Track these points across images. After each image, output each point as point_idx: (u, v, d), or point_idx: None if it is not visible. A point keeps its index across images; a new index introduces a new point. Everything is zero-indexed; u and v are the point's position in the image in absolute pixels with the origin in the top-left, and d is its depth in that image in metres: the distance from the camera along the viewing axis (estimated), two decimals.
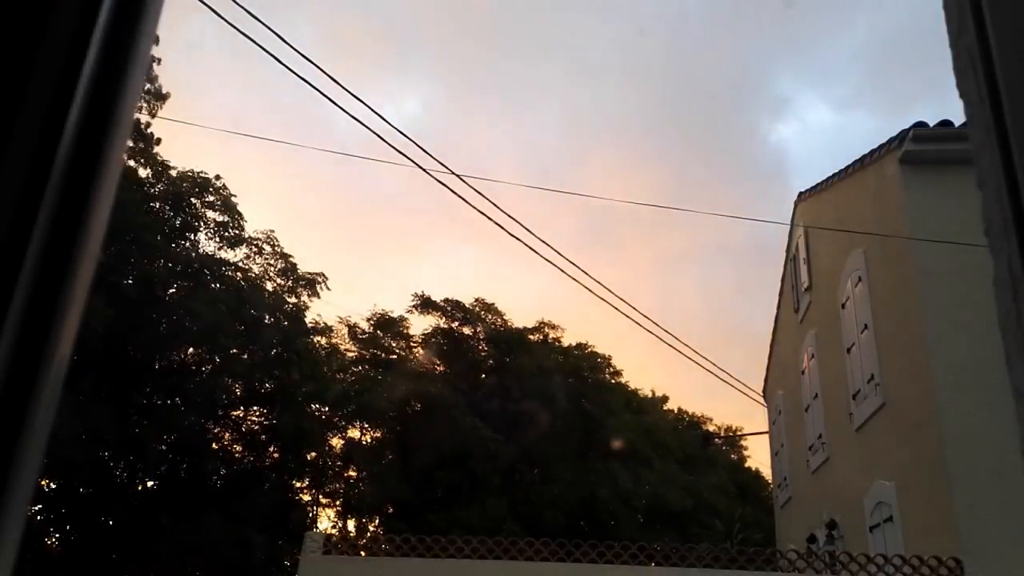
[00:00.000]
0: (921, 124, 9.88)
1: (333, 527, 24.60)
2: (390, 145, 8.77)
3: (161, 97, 18.92)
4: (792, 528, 16.30)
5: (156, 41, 17.00)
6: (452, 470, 23.62)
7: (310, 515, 23.83)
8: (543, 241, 11.01)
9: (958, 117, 9.17)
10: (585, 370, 28.97)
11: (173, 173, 20.00)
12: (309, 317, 23.33)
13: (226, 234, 20.93)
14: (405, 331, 27.48)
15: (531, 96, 40.17)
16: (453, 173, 9.77)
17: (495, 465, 24.14)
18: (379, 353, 26.57)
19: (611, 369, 30.68)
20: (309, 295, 22.73)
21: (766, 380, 19.72)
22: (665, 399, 36.04)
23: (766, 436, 20.02)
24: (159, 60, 18.46)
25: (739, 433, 36.36)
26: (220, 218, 20.79)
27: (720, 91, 44.93)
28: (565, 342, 29.08)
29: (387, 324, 27.09)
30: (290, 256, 22.24)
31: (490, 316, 28.08)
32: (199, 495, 18.73)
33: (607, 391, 29.19)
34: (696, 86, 44.34)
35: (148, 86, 18.13)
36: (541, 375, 25.82)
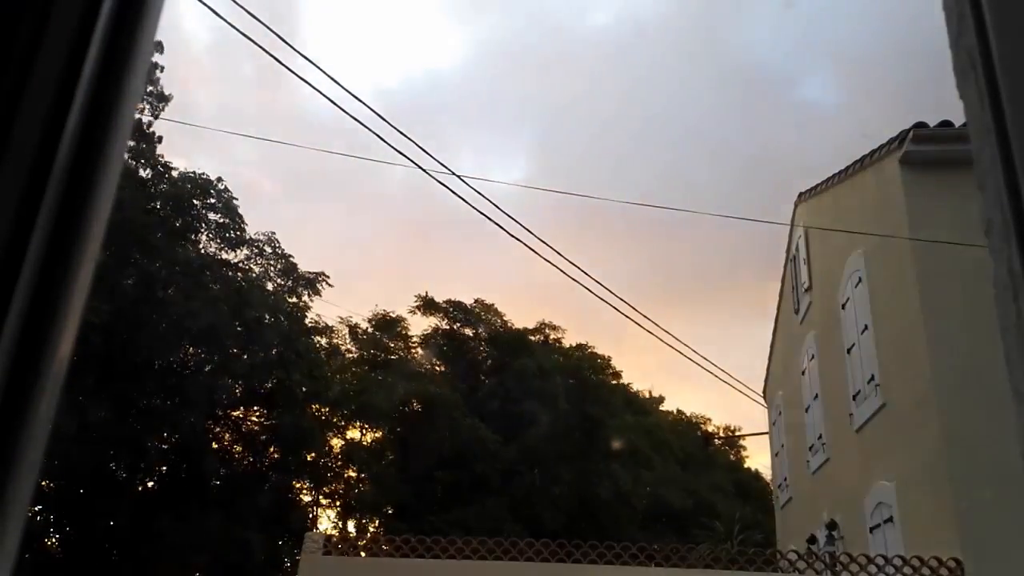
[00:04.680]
0: (921, 124, 9.87)
1: (333, 527, 24.62)
2: (390, 145, 8.76)
3: (164, 98, 18.93)
4: (792, 529, 16.29)
5: (160, 49, 16.82)
6: (452, 471, 23.63)
7: (310, 515, 23.85)
8: (543, 241, 10.98)
9: (958, 117, 9.16)
10: (586, 371, 29.00)
11: (174, 174, 20.04)
12: (309, 317, 23.36)
13: (227, 235, 20.96)
14: (405, 332, 27.51)
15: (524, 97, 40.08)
16: (453, 173, 9.77)
17: (495, 466, 24.15)
18: (379, 354, 26.59)
19: (612, 370, 30.73)
20: (310, 295, 22.76)
21: (766, 381, 19.72)
22: (661, 398, 36.09)
23: (766, 437, 20.02)
24: (162, 67, 18.46)
25: (739, 433, 36.41)
26: (221, 220, 20.83)
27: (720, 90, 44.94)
28: (566, 343, 29.13)
29: (388, 325, 27.12)
30: (291, 256, 22.28)
31: (491, 317, 28.12)
32: (199, 495, 18.72)
33: (607, 392, 29.21)
34: (694, 85, 44.37)
35: (150, 87, 18.12)
36: (541, 376, 25.83)
